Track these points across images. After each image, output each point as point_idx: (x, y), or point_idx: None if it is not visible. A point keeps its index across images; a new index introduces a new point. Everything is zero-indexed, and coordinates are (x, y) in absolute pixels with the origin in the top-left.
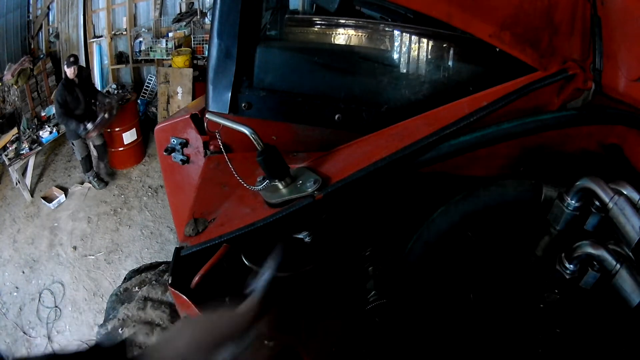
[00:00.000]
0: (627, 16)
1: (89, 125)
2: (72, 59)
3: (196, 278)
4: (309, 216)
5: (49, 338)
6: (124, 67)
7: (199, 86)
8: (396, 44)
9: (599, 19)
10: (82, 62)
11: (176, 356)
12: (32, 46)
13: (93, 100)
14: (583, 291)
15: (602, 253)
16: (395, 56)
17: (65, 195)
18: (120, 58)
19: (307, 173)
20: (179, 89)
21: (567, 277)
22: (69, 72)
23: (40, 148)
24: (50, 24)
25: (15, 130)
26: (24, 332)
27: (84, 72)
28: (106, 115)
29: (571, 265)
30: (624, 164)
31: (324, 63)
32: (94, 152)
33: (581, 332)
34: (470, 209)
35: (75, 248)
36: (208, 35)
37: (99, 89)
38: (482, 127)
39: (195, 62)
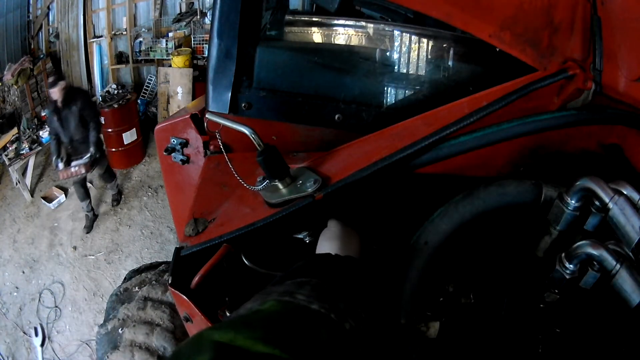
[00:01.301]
0: (627, 16)
1: (60, 165)
2: (51, 79)
3: (196, 278)
4: (309, 216)
5: (49, 338)
6: (124, 67)
7: (199, 86)
8: (396, 44)
9: (599, 19)
10: (82, 62)
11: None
12: (32, 46)
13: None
14: (583, 291)
15: (602, 253)
16: (395, 56)
17: (65, 195)
18: (120, 58)
19: (307, 173)
20: (179, 89)
21: (567, 277)
22: (51, 92)
23: (40, 148)
24: (50, 24)
25: (15, 130)
26: (24, 332)
27: (70, 97)
28: (71, 169)
29: (571, 265)
30: (624, 164)
31: (324, 63)
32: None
33: (581, 332)
34: (470, 209)
35: (75, 248)
36: (208, 35)
37: (95, 132)
38: (482, 127)
39: (195, 62)
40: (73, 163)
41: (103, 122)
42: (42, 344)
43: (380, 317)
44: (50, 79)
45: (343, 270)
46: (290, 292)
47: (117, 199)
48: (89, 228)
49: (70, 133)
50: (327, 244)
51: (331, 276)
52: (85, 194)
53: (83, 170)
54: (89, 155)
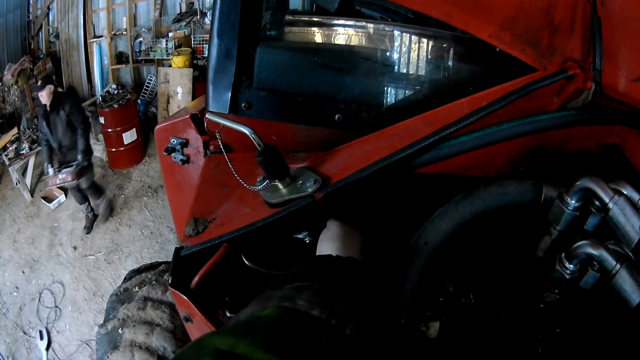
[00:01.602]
0: (627, 16)
1: (50, 170)
2: (39, 83)
3: (196, 278)
4: (309, 216)
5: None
6: (124, 67)
7: (199, 86)
8: (396, 44)
9: (599, 19)
10: (82, 62)
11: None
12: (32, 46)
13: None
14: (583, 291)
15: (602, 253)
16: (396, 56)
17: (65, 195)
18: (120, 58)
19: (307, 173)
20: (179, 89)
21: (567, 277)
22: (40, 96)
23: (40, 148)
24: (50, 24)
25: (15, 130)
26: (24, 332)
27: (57, 102)
28: (59, 176)
29: (571, 265)
30: (624, 164)
31: (324, 63)
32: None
33: (581, 332)
34: (470, 209)
35: (75, 248)
36: (208, 35)
37: (83, 139)
38: (482, 127)
39: (195, 62)
40: (63, 170)
41: (103, 122)
42: (48, 348)
43: (381, 319)
44: (39, 83)
45: (344, 272)
46: (290, 297)
47: (106, 215)
48: (89, 228)
49: (59, 138)
50: (328, 245)
51: (332, 279)
52: (83, 198)
53: (69, 179)
54: (76, 163)
